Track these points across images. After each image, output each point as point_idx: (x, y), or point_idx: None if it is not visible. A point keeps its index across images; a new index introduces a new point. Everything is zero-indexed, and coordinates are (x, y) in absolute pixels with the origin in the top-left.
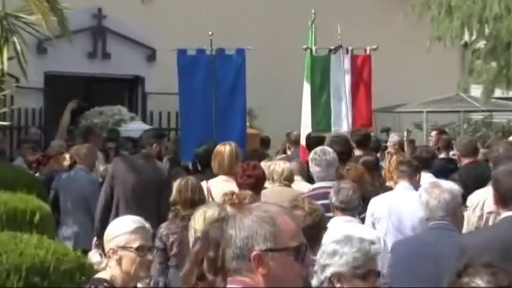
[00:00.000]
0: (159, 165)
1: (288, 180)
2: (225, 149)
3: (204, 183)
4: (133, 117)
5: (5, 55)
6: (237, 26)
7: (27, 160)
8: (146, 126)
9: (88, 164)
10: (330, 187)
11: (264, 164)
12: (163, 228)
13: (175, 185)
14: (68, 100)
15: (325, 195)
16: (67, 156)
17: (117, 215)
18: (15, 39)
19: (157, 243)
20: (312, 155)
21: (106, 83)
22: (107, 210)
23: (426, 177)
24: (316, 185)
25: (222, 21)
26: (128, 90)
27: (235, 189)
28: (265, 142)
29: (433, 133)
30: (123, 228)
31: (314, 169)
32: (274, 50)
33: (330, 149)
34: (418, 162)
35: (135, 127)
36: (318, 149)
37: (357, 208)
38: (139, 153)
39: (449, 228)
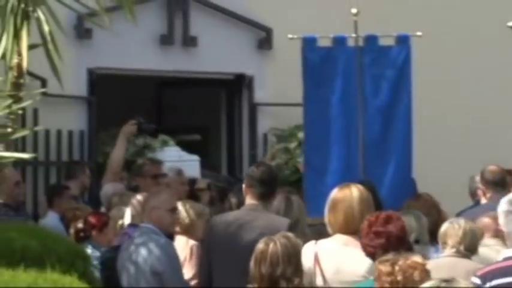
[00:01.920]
0: (277, 220)
1: (470, 249)
2: (351, 193)
3: (309, 246)
4: (166, 142)
5: (25, 41)
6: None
7: (67, 218)
8: (186, 155)
9: (157, 219)
10: None
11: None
12: None
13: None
14: (125, 117)
15: None
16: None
17: None
18: (41, 15)
19: None
20: (505, 205)
21: (189, 87)
22: None
23: None
24: (510, 252)
25: None
26: (225, 100)
27: (359, 257)
28: None
29: None
30: None
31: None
32: (458, 34)
33: None
34: None
35: (170, 157)
36: None
37: None
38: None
39: None
